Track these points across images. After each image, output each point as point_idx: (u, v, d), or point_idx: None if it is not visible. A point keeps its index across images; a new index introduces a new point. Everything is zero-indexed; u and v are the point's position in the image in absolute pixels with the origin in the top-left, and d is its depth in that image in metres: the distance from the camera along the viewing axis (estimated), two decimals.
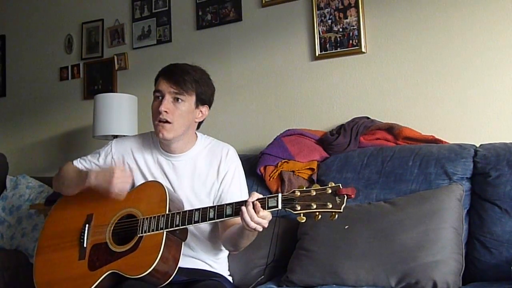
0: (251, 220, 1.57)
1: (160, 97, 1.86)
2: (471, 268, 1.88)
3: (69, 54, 3.63)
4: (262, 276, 1.73)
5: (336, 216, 1.53)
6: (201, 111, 1.92)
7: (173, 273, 1.71)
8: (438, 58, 2.45)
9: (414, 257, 1.76)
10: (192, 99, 1.87)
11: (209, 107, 1.97)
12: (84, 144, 3.46)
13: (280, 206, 1.57)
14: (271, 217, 1.61)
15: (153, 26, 3.28)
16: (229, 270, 2.03)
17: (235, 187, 1.93)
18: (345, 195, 1.52)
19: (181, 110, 1.85)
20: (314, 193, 1.55)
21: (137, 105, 3.08)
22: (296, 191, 1.57)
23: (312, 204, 1.54)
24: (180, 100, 1.84)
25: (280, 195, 1.59)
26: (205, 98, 1.91)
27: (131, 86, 3.23)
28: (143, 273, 1.63)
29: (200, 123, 1.99)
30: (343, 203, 1.52)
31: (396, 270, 1.76)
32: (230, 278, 2.01)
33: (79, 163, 2.03)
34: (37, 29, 3.79)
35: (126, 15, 3.41)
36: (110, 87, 3.41)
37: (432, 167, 2.04)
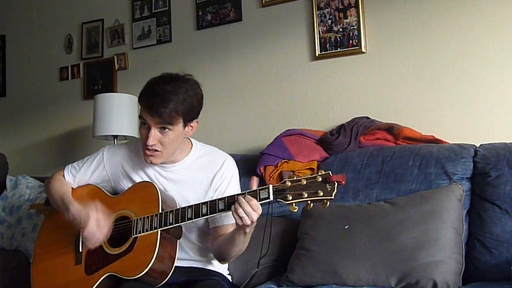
0: (243, 210, 1.55)
1: (147, 126, 1.78)
2: (471, 268, 1.88)
3: (69, 54, 3.62)
4: (257, 269, 1.73)
5: (328, 203, 1.53)
6: (190, 126, 1.85)
7: (170, 271, 1.71)
8: (438, 58, 2.45)
9: (414, 257, 1.76)
10: (179, 124, 1.79)
11: (198, 116, 1.87)
12: (84, 144, 3.46)
13: (271, 197, 1.57)
14: (261, 211, 1.58)
15: (153, 26, 3.28)
16: (228, 269, 2.03)
17: (230, 193, 1.89)
18: (335, 182, 1.52)
19: (169, 138, 1.79)
20: (305, 182, 1.55)
21: (137, 105, 3.07)
22: (287, 181, 1.57)
23: (304, 193, 1.54)
24: (167, 130, 1.77)
25: (271, 186, 1.58)
26: (193, 115, 1.83)
27: (131, 86, 3.22)
28: (140, 273, 1.63)
29: None
30: (334, 190, 1.52)
31: (396, 270, 1.76)
32: (229, 277, 2.01)
33: (70, 174, 1.99)
34: (37, 29, 3.78)
35: (126, 15, 3.40)
36: (110, 87, 3.41)
37: (432, 167, 2.04)
